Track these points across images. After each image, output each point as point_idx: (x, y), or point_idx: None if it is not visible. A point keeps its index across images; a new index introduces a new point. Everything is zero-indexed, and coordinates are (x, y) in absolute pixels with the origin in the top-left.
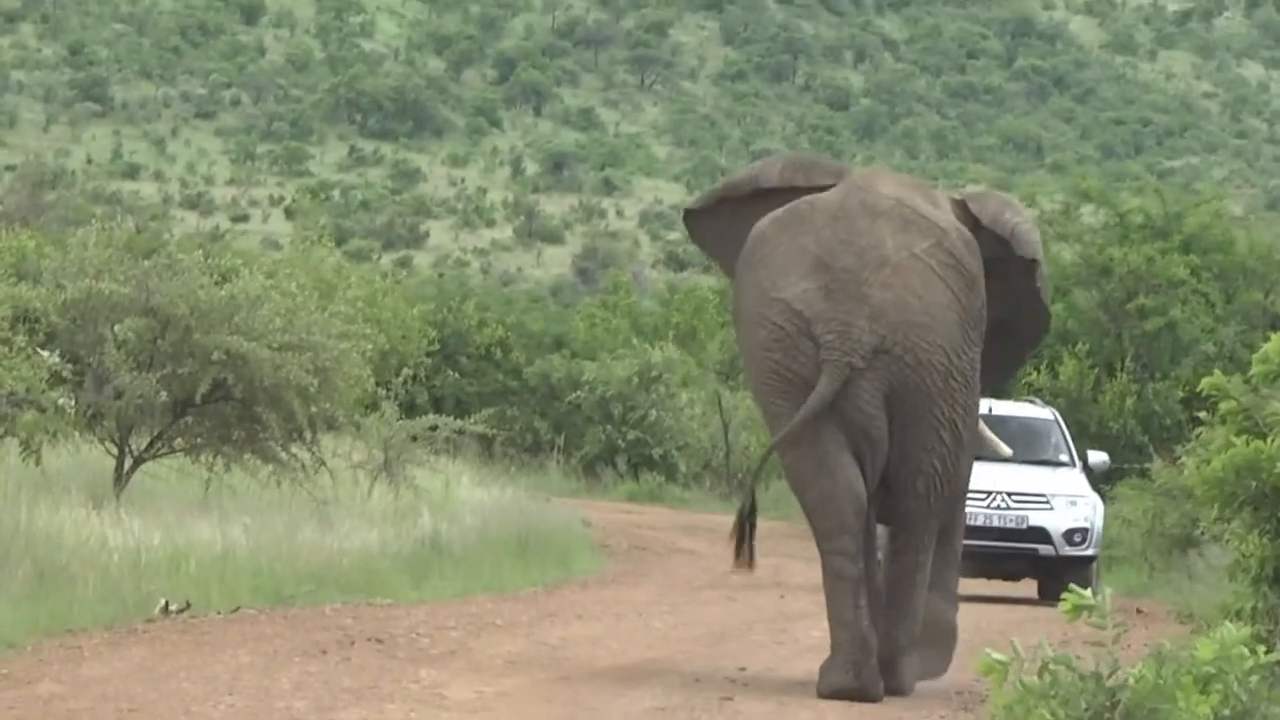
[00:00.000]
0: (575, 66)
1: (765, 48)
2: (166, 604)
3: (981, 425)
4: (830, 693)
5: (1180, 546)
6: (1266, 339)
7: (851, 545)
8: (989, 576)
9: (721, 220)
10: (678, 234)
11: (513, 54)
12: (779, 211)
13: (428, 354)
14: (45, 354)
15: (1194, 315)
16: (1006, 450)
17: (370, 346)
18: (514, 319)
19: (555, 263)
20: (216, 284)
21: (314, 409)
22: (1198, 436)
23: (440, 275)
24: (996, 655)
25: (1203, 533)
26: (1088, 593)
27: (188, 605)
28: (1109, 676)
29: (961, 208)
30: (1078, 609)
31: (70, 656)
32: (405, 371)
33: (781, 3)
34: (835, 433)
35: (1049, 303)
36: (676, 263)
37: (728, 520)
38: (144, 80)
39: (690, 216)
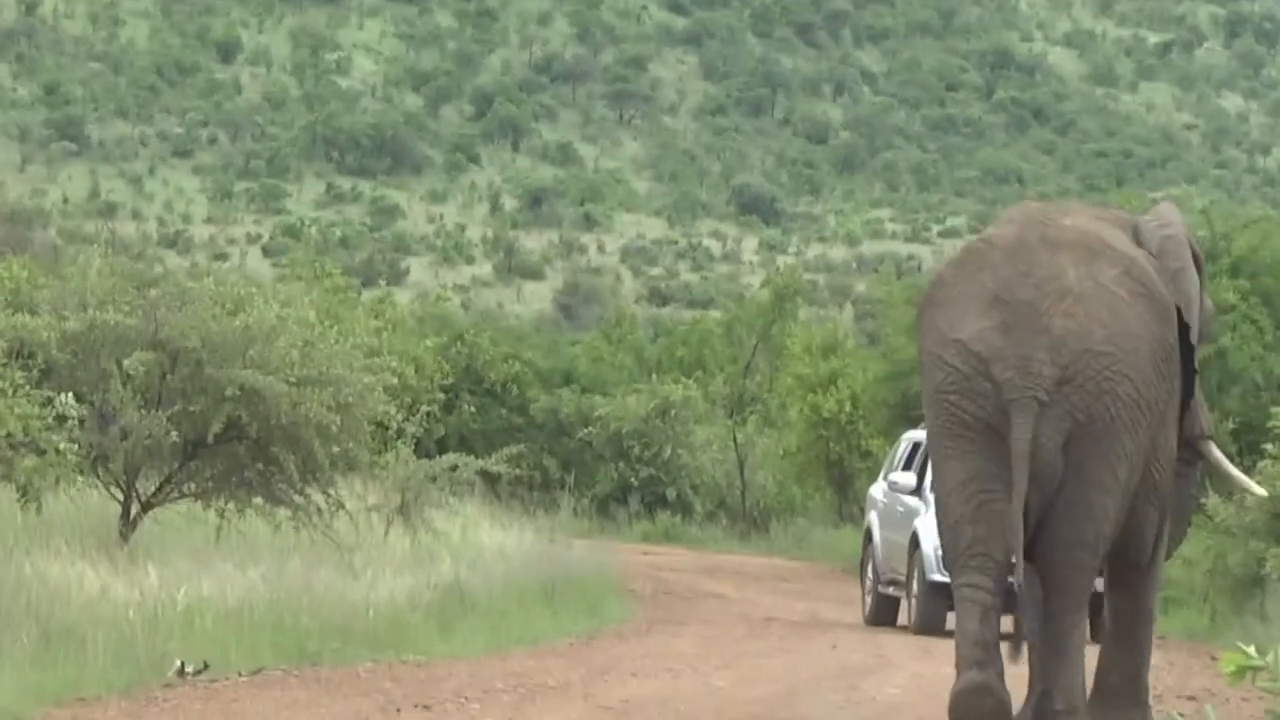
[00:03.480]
0: (553, 102)
1: (744, 82)
2: (183, 665)
3: (1227, 462)
4: (957, 693)
5: (1245, 587)
6: None
7: (995, 590)
8: None
9: None
10: (660, 269)
11: (490, 89)
12: (957, 252)
13: (441, 389)
14: (62, 398)
15: (1243, 343)
16: (1259, 490)
17: (395, 380)
18: (529, 355)
19: (536, 299)
20: (229, 314)
21: (335, 449)
22: (1263, 470)
23: (439, 303)
24: None
25: (1271, 572)
26: (1250, 649)
27: (205, 666)
28: None
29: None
30: (1243, 670)
31: None
32: (424, 409)
33: (760, 37)
34: (1003, 475)
35: (1193, 322)
36: (659, 298)
37: (748, 561)
38: (120, 119)
39: None
